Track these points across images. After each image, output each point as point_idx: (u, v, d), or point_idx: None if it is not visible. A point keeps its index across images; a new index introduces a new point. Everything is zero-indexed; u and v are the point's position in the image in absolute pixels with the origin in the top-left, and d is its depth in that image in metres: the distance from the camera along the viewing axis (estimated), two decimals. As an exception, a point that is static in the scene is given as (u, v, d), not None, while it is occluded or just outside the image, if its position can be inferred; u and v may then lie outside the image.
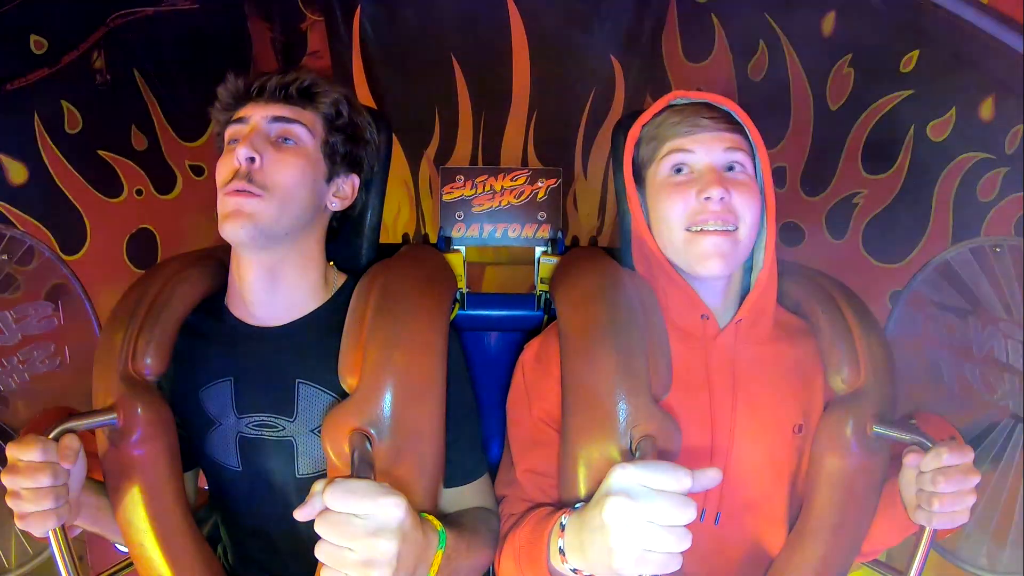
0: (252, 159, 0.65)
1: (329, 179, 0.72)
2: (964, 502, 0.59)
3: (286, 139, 0.69)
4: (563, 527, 0.56)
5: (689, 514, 0.47)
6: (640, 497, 0.47)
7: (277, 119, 0.69)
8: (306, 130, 0.70)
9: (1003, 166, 1.10)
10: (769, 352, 0.71)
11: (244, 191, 0.64)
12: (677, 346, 0.68)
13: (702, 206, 0.65)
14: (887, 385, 0.68)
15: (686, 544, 0.47)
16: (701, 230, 0.65)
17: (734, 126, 0.69)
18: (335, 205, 0.74)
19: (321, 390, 0.70)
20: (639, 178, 0.73)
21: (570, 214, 1.70)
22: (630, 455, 0.59)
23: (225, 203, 0.65)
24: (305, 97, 0.71)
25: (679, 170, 0.69)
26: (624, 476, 0.49)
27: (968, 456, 0.59)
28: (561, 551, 0.55)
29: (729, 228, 0.65)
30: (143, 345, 0.66)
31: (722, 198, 0.65)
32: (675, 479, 0.48)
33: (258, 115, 0.69)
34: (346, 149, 0.74)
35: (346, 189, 0.75)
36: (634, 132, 0.73)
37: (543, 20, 1.56)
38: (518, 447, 0.73)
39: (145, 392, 0.66)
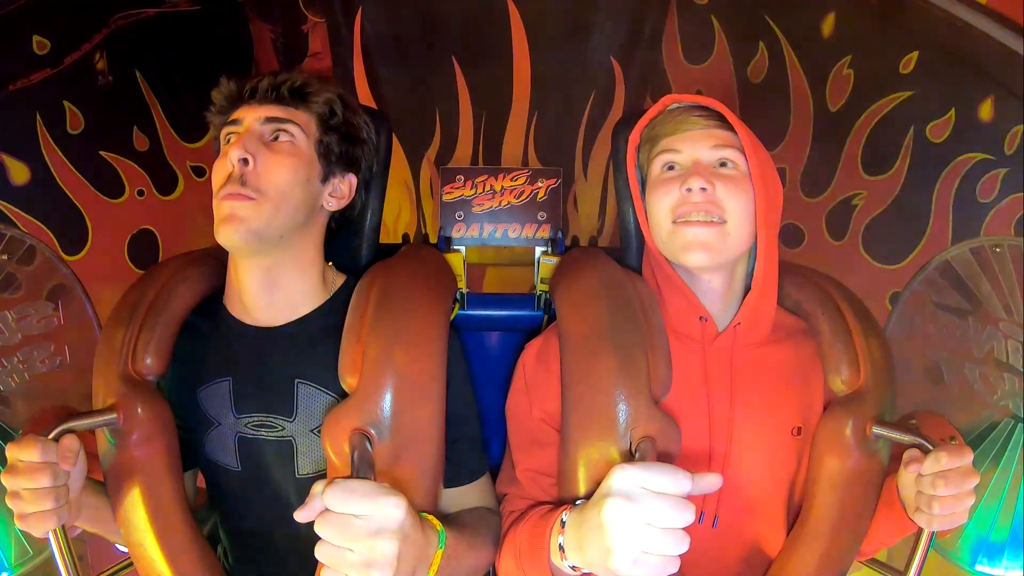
0: (245, 161, 0.65)
1: (325, 179, 0.72)
2: (963, 504, 0.59)
3: (279, 139, 0.69)
4: (564, 524, 0.56)
5: (687, 517, 0.47)
6: (639, 499, 0.47)
7: (270, 120, 0.69)
8: (299, 130, 0.70)
9: (1003, 167, 1.10)
10: (768, 354, 0.71)
11: (238, 195, 0.65)
12: (676, 349, 0.68)
13: (684, 197, 0.66)
14: (887, 386, 0.68)
15: (684, 547, 0.47)
16: (685, 221, 0.66)
17: (725, 125, 0.69)
18: (332, 205, 0.74)
19: (320, 390, 0.70)
20: (644, 181, 0.74)
21: (570, 214, 1.70)
22: (630, 456, 0.59)
23: (220, 208, 0.65)
24: (298, 97, 0.71)
25: (670, 168, 0.70)
26: (624, 477, 0.49)
27: (967, 458, 0.59)
28: (561, 548, 0.55)
29: (713, 220, 0.66)
30: (143, 345, 0.66)
31: (703, 188, 0.65)
32: (674, 482, 0.48)
33: (251, 117, 0.69)
34: (341, 149, 0.74)
35: (343, 189, 0.75)
36: (634, 138, 0.74)
37: (543, 20, 1.56)
38: (518, 446, 0.73)
39: (145, 392, 0.66)
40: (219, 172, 0.67)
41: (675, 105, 0.72)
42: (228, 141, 0.69)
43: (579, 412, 0.64)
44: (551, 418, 0.70)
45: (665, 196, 0.68)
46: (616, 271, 0.73)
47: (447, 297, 0.74)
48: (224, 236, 0.65)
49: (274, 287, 0.70)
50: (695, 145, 0.68)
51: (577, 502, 0.58)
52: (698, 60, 1.57)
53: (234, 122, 0.70)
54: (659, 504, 0.47)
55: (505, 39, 1.57)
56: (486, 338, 1.01)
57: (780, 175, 0.71)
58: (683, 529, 0.47)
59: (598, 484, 0.52)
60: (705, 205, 0.65)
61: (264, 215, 0.65)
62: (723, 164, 0.68)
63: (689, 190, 0.66)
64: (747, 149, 0.67)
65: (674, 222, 0.67)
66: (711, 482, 0.50)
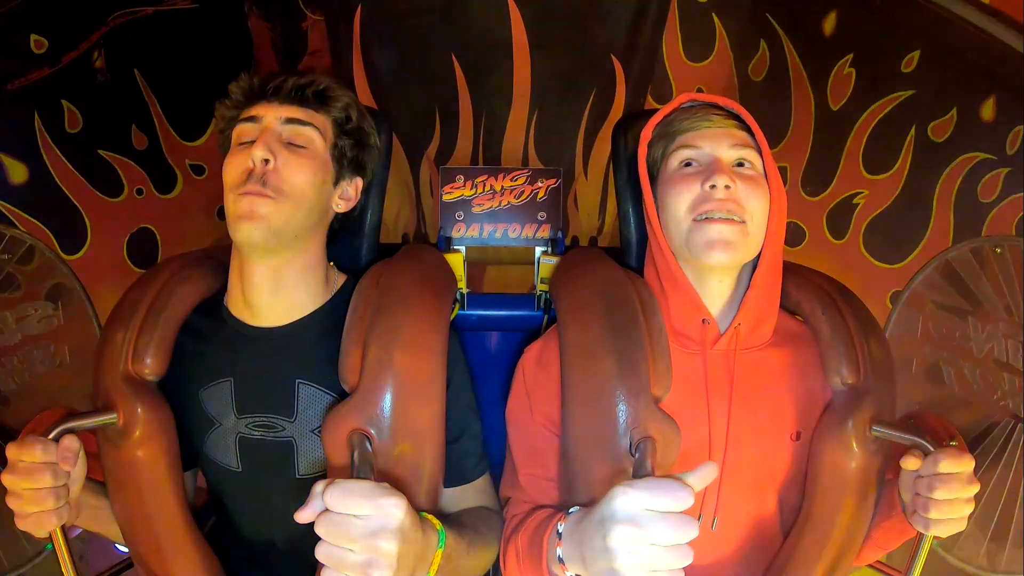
0: (267, 160, 0.65)
1: (336, 182, 0.73)
2: (961, 511, 0.58)
3: (298, 142, 0.69)
4: (560, 535, 0.56)
5: (691, 533, 0.47)
6: (644, 523, 0.47)
7: (291, 120, 0.69)
8: (318, 133, 0.70)
9: (1004, 166, 1.10)
10: (769, 358, 0.71)
11: (258, 192, 0.64)
12: (676, 351, 0.67)
13: (707, 194, 0.65)
14: (887, 385, 0.68)
15: (688, 560, 0.47)
16: (707, 218, 0.65)
17: (742, 126, 0.69)
18: (340, 207, 0.75)
19: (321, 390, 0.70)
20: (652, 178, 0.74)
21: (570, 214, 1.70)
22: (630, 455, 0.60)
23: (238, 204, 0.65)
24: (319, 100, 0.71)
25: (688, 164, 0.69)
26: (627, 501, 0.48)
27: (968, 465, 0.57)
28: (560, 560, 0.56)
29: (735, 218, 0.65)
30: (143, 345, 0.66)
31: (727, 186, 0.65)
32: (677, 501, 0.47)
33: (271, 115, 0.68)
34: (353, 153, 0.74)
35: (350, 191, 0.76)
36: (646, 133, 0.73)
37: (544, 19, 1.55)
38: (520, 452, 0.73)
39: (145, 392, 0.66)
40: (236, 168, 0.66)
41: (690, 103, 0.72)
42: (245, 138, 0.68)
43: (579, 412, 0.64)
44: (552, 422, 0.69)
45: (686, 191, 0.67)
46: (616, 271, 0.73)
47: (447, 297, 0.74)
48: (243, 233, 0.64)
49: (280, 287, 0.70)
50: (715, 143, 0.68)
51: (570, 511, 0.58)
52: (699, 58, 1.57)
53: (252, 118, 0.69)
54: (663, 526, 0.47)
55: (505, 38, 1.56)
56: (486, 338, 1.01)
57: (781, 173, 0.71)
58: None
59: (598, 485, 0.52)
60: (728, 204, 0.65)
61: (283, 214, 0.65)
62: (740, 164, 0.68)
63: (713, 187, 0.65)
64: (763, 151, 0.67)
65: (695, 219, 0.66)
66: (707, 474, 0.51)
